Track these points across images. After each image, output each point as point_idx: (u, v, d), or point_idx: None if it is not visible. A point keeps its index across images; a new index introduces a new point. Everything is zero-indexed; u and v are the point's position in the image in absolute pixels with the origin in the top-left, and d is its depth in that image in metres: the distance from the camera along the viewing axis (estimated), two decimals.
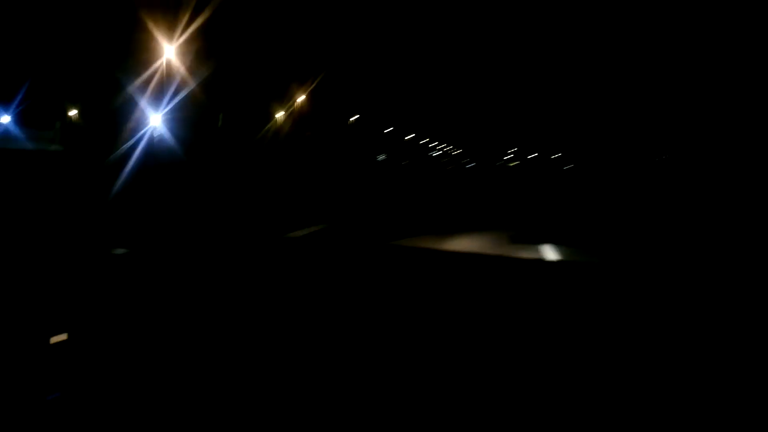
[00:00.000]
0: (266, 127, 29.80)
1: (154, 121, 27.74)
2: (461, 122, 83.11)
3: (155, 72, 27.01)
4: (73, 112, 28.26)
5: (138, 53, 26.24)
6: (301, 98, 29.70)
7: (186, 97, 27.58)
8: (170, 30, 27.20)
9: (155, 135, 27.30)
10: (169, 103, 27.96)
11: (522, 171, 59.10)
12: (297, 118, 30.09)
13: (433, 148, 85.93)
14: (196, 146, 27.70)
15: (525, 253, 7.53)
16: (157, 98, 27.75)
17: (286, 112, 29.19)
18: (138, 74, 26.30)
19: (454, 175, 46.79)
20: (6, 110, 27.79)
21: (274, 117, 29.47)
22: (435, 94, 61.18)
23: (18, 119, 26.84)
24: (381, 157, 53.28)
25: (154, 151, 26.68)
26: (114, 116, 27.45)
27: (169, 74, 27.22)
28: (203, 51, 26.96)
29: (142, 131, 27.04)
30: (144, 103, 27.17)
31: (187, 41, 26.89)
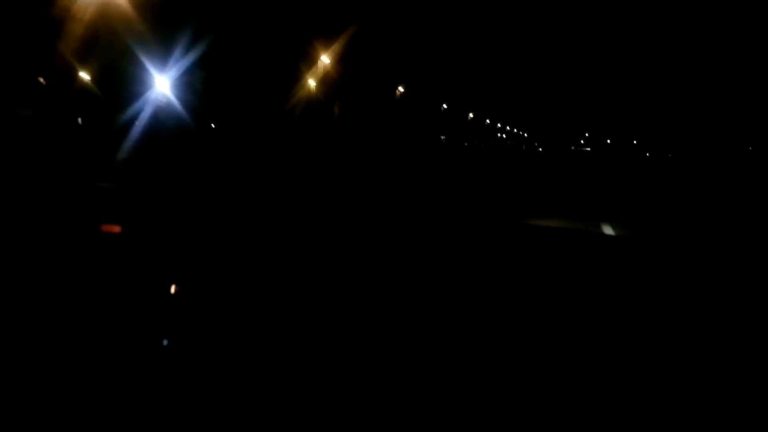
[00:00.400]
0: (289, 97, 25.40)
1: (160, 85, 23.90)
2: (529, 103, 76.58)
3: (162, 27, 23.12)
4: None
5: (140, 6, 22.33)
6: (328, 59, 24.77)
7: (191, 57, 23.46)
8: None
9: (161, 101, 23.49)
10: (177, 63, 24.05)
11: (596, 157, 53.14)
12: (324, 84, 25.42)
13: (498, 130, 79.82)
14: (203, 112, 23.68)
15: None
16: (162, 58, 23.88)
17: (309, 76, 24.57)
18: (137, 29, 22.37)
19: (523, 159, 42.63)
20: None
21: (297, 83, 24.84)
22: (498, 70, 55.19)
23: None
24: (442, 137, 48.42)
25: (160, 119, 22.98)
26: (112, 78, 23.74)
27: (175, 27, 23.17)
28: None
29: (146, 97, 23.30)
30: (147, 63, 23.30)
31: None
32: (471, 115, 54.90)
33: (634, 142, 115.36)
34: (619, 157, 60.51)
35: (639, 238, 8.41)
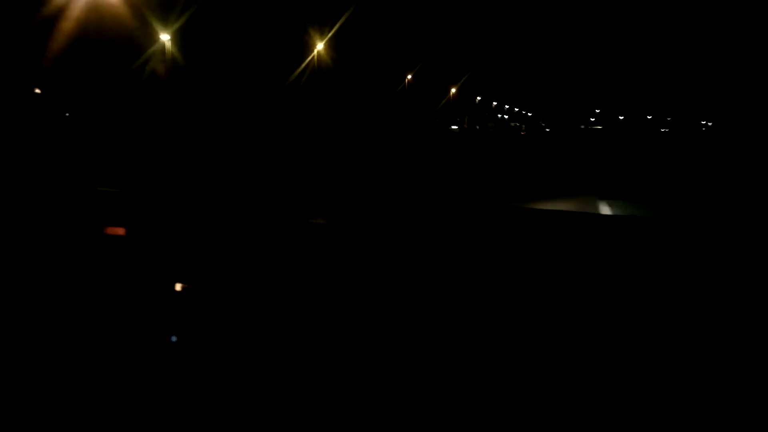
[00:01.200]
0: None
1: None
2: (532, 80, 70.10)
3: None
4: None
5: None
6: None
7: None
8: None
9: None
10: None
11: (606, 137, 47.82)
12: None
13: (496, 110, 73.53)
14: None
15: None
16: None
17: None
18: None
19: (526, 141, 39.51)
20: None
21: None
22: (495, 41, 48.85)
23: None
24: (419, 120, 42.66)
25: None
26: None
27: None
28: None
29: None
30: None
31: None
32: (453, 90, 48.83)
33: (649, 117, 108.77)
34: (631, 134, 55.96)
35: (637, 217, 8.34)
